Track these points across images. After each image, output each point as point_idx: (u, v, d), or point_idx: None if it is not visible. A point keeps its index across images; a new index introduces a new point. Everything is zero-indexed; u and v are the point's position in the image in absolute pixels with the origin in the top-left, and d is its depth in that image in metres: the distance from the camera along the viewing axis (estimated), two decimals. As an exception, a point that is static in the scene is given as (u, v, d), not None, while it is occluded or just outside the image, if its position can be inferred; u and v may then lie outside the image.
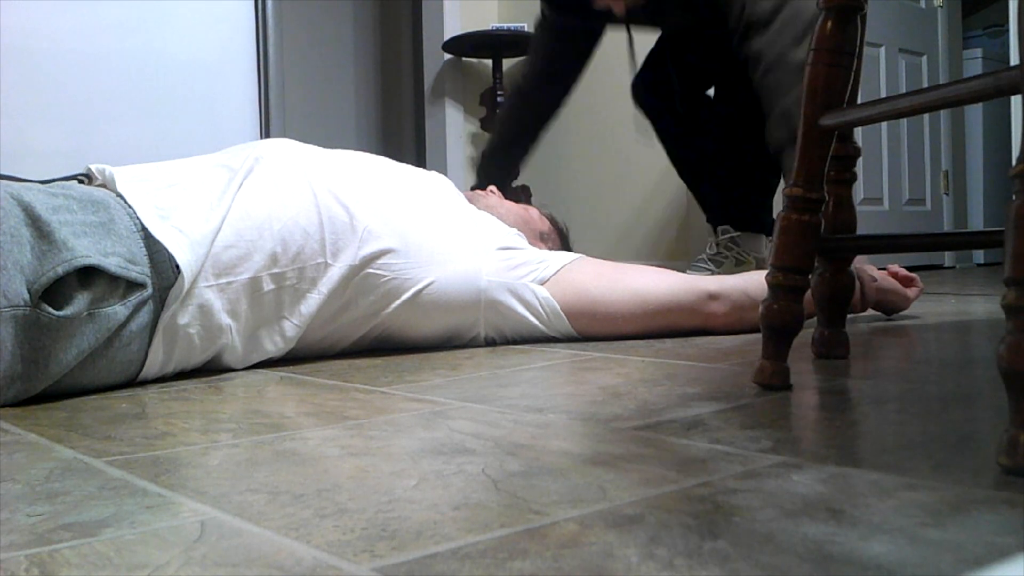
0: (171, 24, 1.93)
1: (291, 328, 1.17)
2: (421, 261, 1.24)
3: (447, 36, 3.26)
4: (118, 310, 0.98)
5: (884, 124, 3.48)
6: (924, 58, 3.68)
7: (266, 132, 2.14)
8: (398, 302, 1.23)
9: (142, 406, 0.92)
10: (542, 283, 1.30)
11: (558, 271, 1.31)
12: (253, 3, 2.08)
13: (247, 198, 1.14)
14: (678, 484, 0.57)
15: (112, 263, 0.98)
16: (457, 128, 3.39)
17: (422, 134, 3.65)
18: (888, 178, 3.50)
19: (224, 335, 1.11)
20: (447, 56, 3.34)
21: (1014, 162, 0.60)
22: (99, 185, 1.17)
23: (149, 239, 1.03)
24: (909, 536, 0.46)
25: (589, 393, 0.91)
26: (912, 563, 0.42)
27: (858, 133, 3.18)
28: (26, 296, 0.91)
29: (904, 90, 3.50)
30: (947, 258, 3.82)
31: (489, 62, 3.33)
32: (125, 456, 0.70)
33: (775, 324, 0.91)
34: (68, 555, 0.47)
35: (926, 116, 3.70)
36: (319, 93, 4.32)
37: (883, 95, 3.44)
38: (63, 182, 1.15)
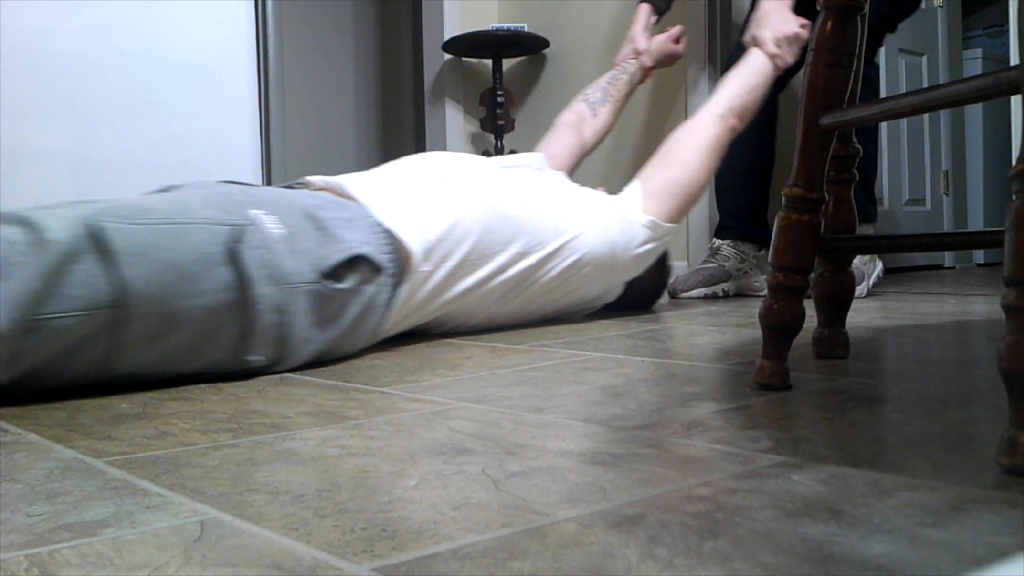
0: (171, 24, 1.93)
1: (459, 301, 1.43)
2: (575, 246, 1.55)
3: (447, 36, 3.25)
4: (372, 288, 1.23)
5: (884, 124, 3.48)
6: (924, 58, 3.68)
7: (266, 132, 2.14)
8: (580, 274, 1.57)
9: (142, 406, 0.92)
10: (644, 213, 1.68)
11: (641, 195, 1.69)
12: (253, 3, 2.08)
13: (453, 200, 1.42)
14: (678, 484, 0.57)
15: (371, 251, 1.23)
16: (457, 128, 3.38)
17: (422, 134, 3.66)
18: (888, 178, 3.50)
19: (427, 307, 1.38)
20: (447, 56, 3.34)
21: (1014, 162, 0.60)
22: (318, 190, 1.43)
23: (384, 232, 1.28)
24: (909, 536, 0.46)
25: (589, 393, 0.91)
26: (912, 563, 0.42)
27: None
28: (315, 275, 1.14)
29: (904, 90, 3.50)
30: (947, 258, 3.82)
31: (489, 62, 3.33)
32: (125, 456, 0.70)
33: (775, 324, 0.91)
34: (68, 555, 0.47)
35: (926, 116, 3.70)
36: (319, 93, 4.32)
37: (883, 95, 3.44)
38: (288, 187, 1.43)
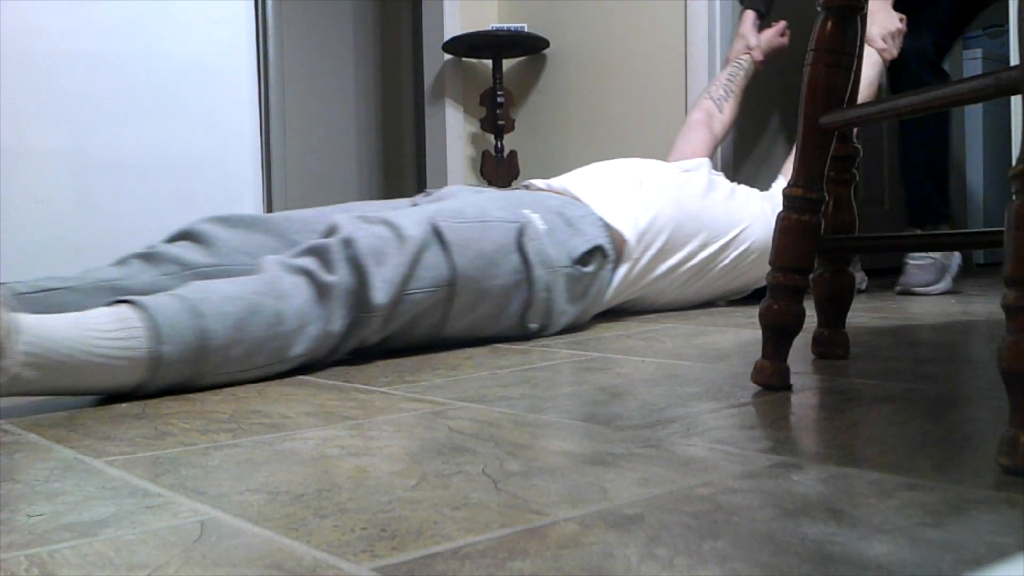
0: (171, 24, 1.93)
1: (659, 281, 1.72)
2: (744, 237, 1.82)
3: (447, 36, 3.25)
4: (604, 272, 1.54)
5: (884, 124, 3.48)
6: (924, 58, 3.67)
7: (266, 132, 2.14)
8: (747, 261, 1.84)
9: (142, 406, 0.92)
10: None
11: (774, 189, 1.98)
12: (253, 3, 2.08)
13: (652, 198, 1.68)
14: (678, 484, 0.57)
15: (605, 242, 1.53)
16: (457, 128, 3.38)
17: (422, 134, 3.65)
18: (888, 178, 3.50)
19: (632, 287, 1.67)
20: (447, 56, 3.34)
21: (1014, 162, 0.60)
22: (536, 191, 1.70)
23: (605, 225, 1.57)
24: (909, 536, 0.46)
25: (589, 393, 0.91)
26: (912, 563, 0.42)
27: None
28: (569, 261, 1.44)
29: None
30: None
31: (489, 62, 3.33)
32: (125, 456, 0.70)
33: (775, 324, 0.91)
34: (68, 555, 0.47)
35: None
36: (319, 93, 4.32)
37: (883, 95, 3.44)
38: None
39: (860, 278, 2.35)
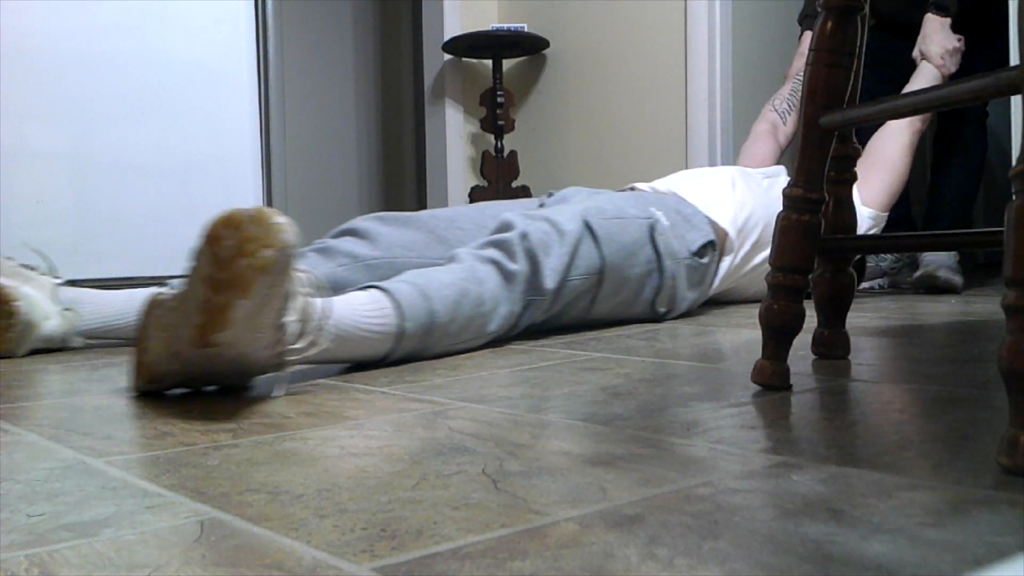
0: (171, 24, 1.93)
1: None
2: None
3: (447, 36, 3.25)
4: (713, 265, 1.73)
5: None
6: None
7: (266, 132, 2.14)
8: None
9: (142, 406, 0.92)
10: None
11: (857, 191, 2.05)
12: (253, 3, 2.08)
13: (744, 199, 1.86)
14: (678, 484, 0.57)
15: (714, 237, 1.71)
16: (457, 128, 3.38)
17: (422, 134, 3.65)
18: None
19: (729, 279, 1.84)
20: (447, 56, 3.34)
21: (1014, 162, 0.61)
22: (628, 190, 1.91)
23: (711, 222, 1.75)
24: (909, 536, 0.46)
25: (589, 393, 0.91)
26: (912, 563, 0.42)
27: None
28: (688, 254, 1.63)
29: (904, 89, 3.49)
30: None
31: (489, 62, 3.33)
32: (125, 456, 0.70)
33: (775, 324, 0.91)
34: (68, 555, 0.47)
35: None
36: (319, 93, 4.32)
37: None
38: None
39: (886, 280, 2.49)
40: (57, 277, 1.46)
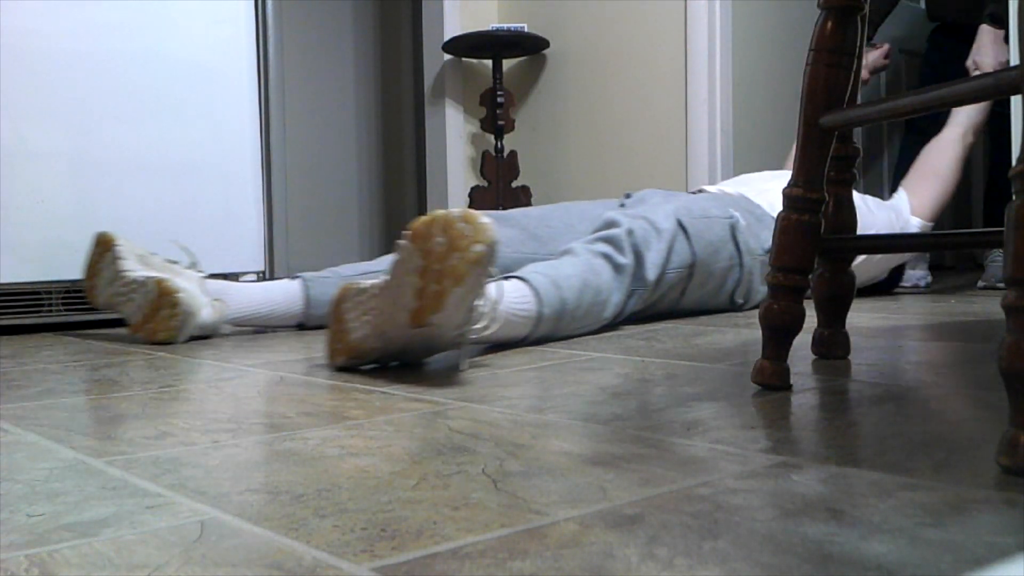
0: (171, 24, 1.93)
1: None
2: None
3: (447, 36, 3.25)
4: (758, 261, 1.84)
5: (884, 124, 3.48)
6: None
7: (266, 132, 2.14)
8: (875, 259, 2.13)
9: (142, 406, 0.92)
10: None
11: (907, 201, 2.28)
12: (253, 3, 2.08)
13: None
14: (678, 484, 0.57)
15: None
16: (457, 128, 3.38)
17: (422, 134, 3.65)
18: (888, 178, 3.50)
19: None
20: (447, 56, 3.34)
21: (1014, 162, 0.61)
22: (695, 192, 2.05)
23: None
24: (909, 536, 0.46)
25: (589, 393, 0.91)
26: (912, 563, 0.42)
27: (858, 133, 3.19)
28: (762, 251, 1.78)
29: (904, 90, 3.50)
30: (947, 258, 3.82)
31: (489, 62, 3.33)
32: (125, 456, 0.70)
33: (775, 324, 0.91)
34: (68, 555, 0.47)
35: (926, 117, 3.70)
36: (319, 93, 4.32)
37: (883, 95, 3.44)
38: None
39: (922, 275, 2.51)
40: (201, 271, 1.62)
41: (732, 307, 1.79)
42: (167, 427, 0.81)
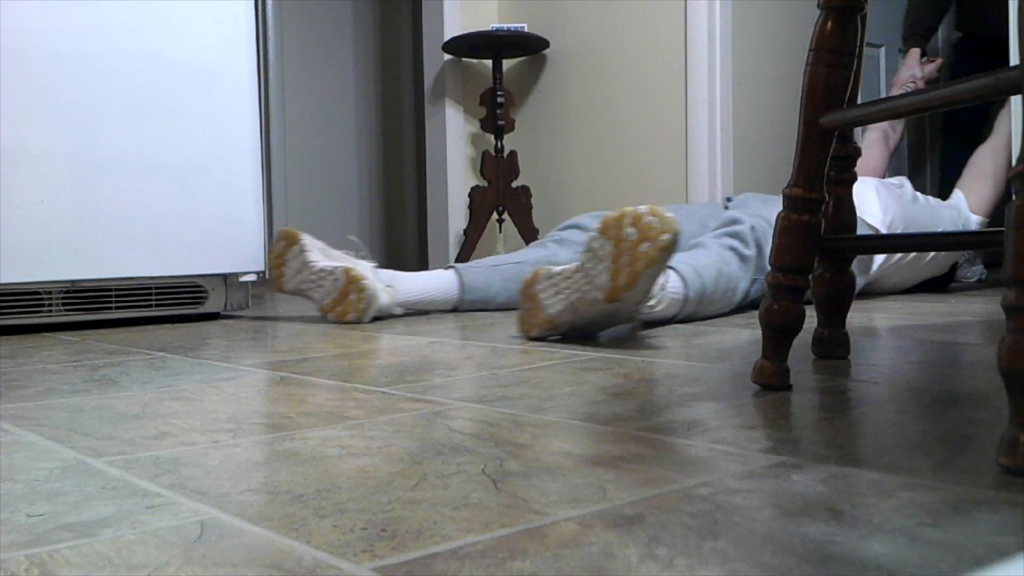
0: (171, 24, 1.93)
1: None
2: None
3: (447, 36, 3.25)
4: (871, 258, 2.12)
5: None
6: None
7: (266, 132, 2.14)
8: (939, 256, 2.30)
9: (142, 406, 0.92)
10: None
11: (964, 200, 2.47)
12: (253, 3, 2.07)
13: (884, 204, 2.21)
14: (678, 484, 0.57)
15: (872, 234, 2.01)
16: (457, 128, 3.38)
17: (422, 134, 3.65)
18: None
19: (880, 268, 2.15)
20: (447, 56, 3.33)
21: (1014, 162, 0.60)
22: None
23: (865, 223, 2.11)
24: (909, 536, 0.46)
25: (589, 393, 0.91)
26: (912, 563, 0.42)
27: (858, 133, 3.20)
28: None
29: (902, 91, 3.50)
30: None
31: (489, 62, 3.33)
32: (125, 456, 0.70)
33: (775, 324, 0.91)
34: (68, 555, 0.47)
35: (926, 116, 3.71)
36: (319, 93, 4.32)
37: (883, 95, 3.44)
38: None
39: (980, 269, 2.66)
40: (373, 262, 1.86)
41: None
42: (167, 427, 0.81)
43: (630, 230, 1.25)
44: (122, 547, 0.48)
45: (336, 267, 1.80)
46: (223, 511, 0.54)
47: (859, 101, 1.15)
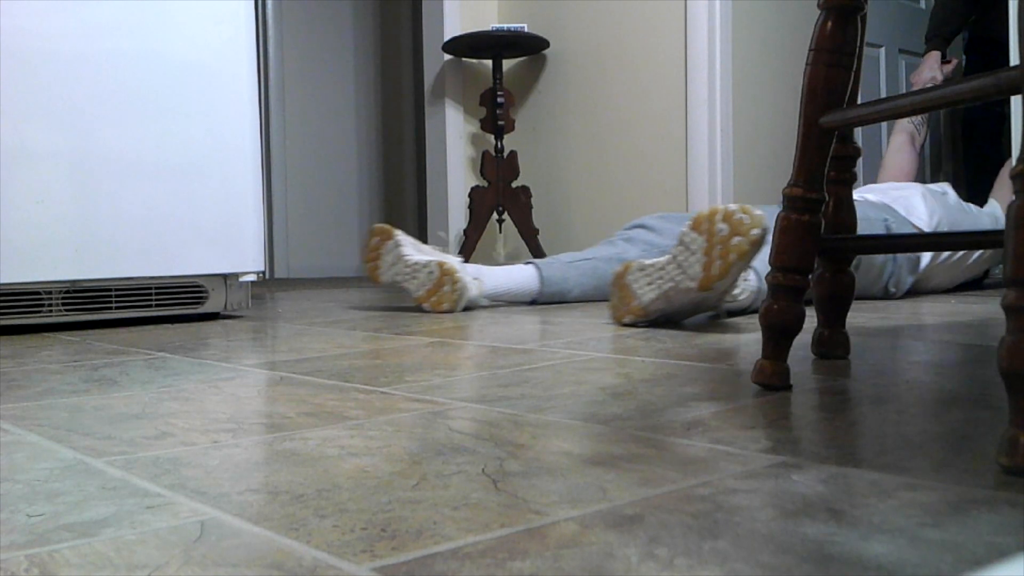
0: (170, 24, 1.93)
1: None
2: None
3: (447, 36, 3.25)
4: (920, 258, 2.19)
5: (884, 124, 3.48)
6: (924, 58, 3.68)
7: (266, 132, 2.14)
8: (982, 258, 2.39)
9: (142, 406, 0.92)
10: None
11: (1000, 206, 2.62)
12: (253, 3, 2.07)
13: (928, 205, 2.30)
14: (678, 484, 0.57)
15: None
16: (457, 128, 3.38)
17: (422, 134, 3.65)
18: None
19: (927, 267, 2.24)
20: (447, 56, 3.33)
21: (1014, 162, 0.60)
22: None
23: (913, 225, 2.25)
24: (909, 536, 0.46)
25: (589, 393, 0.91)
26: (912, 563, 0.42)
27: (858, 133, 3.20)
28: None
29: (904, 90, 3.50)
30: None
31: (489, 62, 3.33)
32: (125, 456, 0.70)
33: (775, 324, 0.91)
34: (68, 555, 0.47)
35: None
36: (319, 93, 4.32)
37: (883, 95, 3.44)
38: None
39: None
40: (459, 256, 2.10)
41: (886, 296, 2.09)
42: (167, 427, 0.81)
43: (721, 225, 1.41)
44: (122, 547, 0.48)
45: (430, 261, 1.97)
46: (223, 511, 0.54)
47: (859, 101, 1.15)
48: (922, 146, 2.89)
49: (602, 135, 3.09)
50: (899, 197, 2.32)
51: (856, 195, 2.30)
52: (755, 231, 1.37)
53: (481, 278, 2.02)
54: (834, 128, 0.91)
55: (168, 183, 1.92)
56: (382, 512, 0.53)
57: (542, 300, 2.11)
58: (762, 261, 1.68)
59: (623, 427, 0.74)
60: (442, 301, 1.96)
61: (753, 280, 1.69)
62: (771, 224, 1.46)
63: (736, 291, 1.63)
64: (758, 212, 1.38)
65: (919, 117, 2.84)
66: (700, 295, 1.46)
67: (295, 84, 4.18)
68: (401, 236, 2.07)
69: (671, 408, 0.82)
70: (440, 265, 1.97)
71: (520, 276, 2.10)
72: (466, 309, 1.99)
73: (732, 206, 1.41)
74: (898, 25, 3.53)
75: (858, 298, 2.01)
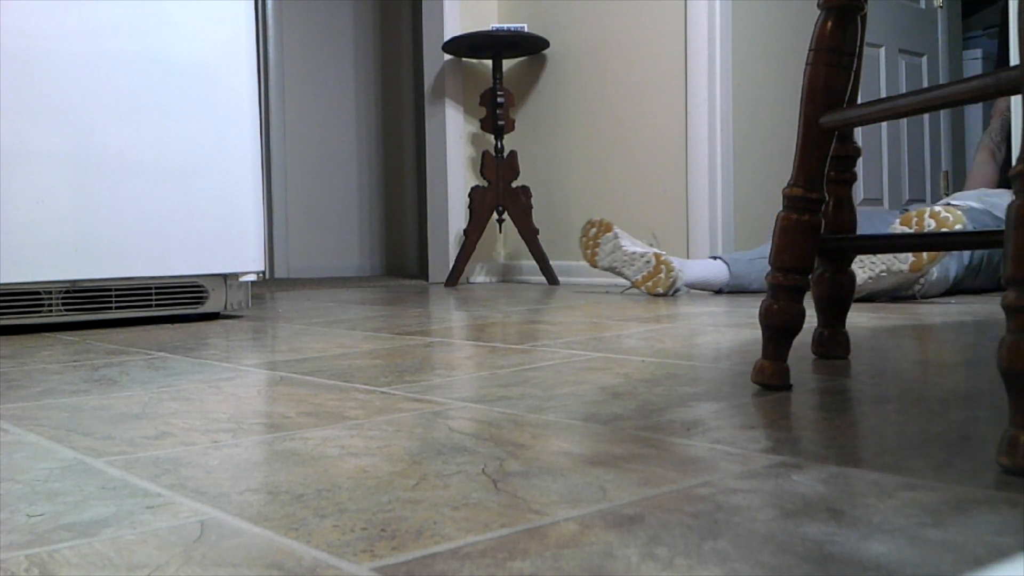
0: (171, 24, 1.93)
1: None
2: None
3: (447, 36, 3.25)
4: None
5: (884, 124, 3.49)
6: (924, 58, 3.68)
7: (266, 132, 2.14)
8: None
9: (142, 406, 0.92)
10: None
11: None
12: (253, 3, 2.07)
13: (979, 208, 2.41)
14: (678, 484, 0.57)
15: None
16: (457, 128, 3.38)
17: (422, 134, 3.65)
18: (888, 178, 3.50)
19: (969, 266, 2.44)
20: (447, 56, 3.33)
21: (1014, 162, 0.60)
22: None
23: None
24: (909, 536, 0.46)
25: (589, 393, 0.91)
26: (912, 563, 0.42)
27: (858, 133, 3.20)
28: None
29: (904, 90, 3.50)
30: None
31: (489, 62, 3.33)
32: (125, 456, 0.70)
33: (775, 324, 0.91)
34: (68, 555, 0.47)
35: (926, 116, 3.71)
36: (319, 93, 4.32)
37: (883, 95, 3.44)
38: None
39: None
40: (662, 250, 2.39)
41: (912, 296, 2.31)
42: (167, 427, 0.81)
43: (928, 220, 1.76)
44: (122, 547, 0.48)
45: (647, 251, 2.36)
46: (223, 511, 0.54)
47: (859, 101, 1.15)
48: (1003, 161, 3.06)
49: (602, 135, 3.09)
50: (997, 204, 2.47)
51: (959, 201, 2.42)
52: (958, 226, 1.73)
53: (683, 270, 2.34)
54: (834, 128, 0.91)
55: (168, 183, 1.92)
56: (382, 512, 0.53)
57: (727, 290, 2.40)
58: (955, 255, 1.99)
59: (623, 427, 0.74)
60: (657, 285, 2.32)
61: (941, 267, 1.96)
62: (968, 222, 1.92)
63: (932, 276, 1.96)
64: (959, 212, 1.75)
65: (998, 135, 3.07)
66: (909, 276, 1.86)
67: (295, 84, 4.18)
68: (619, 230, 2.43)
69: (671, 408, 0.82)
70: (656, 255, 2.34)
71: (713, 269, 2.39)
72: (672, 293, 2.35)
73: (936, 207, 1.79)
74: (898, 25, 3.53)
75: (893, 299, 2.09)
